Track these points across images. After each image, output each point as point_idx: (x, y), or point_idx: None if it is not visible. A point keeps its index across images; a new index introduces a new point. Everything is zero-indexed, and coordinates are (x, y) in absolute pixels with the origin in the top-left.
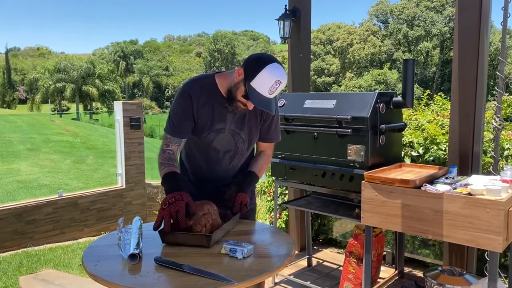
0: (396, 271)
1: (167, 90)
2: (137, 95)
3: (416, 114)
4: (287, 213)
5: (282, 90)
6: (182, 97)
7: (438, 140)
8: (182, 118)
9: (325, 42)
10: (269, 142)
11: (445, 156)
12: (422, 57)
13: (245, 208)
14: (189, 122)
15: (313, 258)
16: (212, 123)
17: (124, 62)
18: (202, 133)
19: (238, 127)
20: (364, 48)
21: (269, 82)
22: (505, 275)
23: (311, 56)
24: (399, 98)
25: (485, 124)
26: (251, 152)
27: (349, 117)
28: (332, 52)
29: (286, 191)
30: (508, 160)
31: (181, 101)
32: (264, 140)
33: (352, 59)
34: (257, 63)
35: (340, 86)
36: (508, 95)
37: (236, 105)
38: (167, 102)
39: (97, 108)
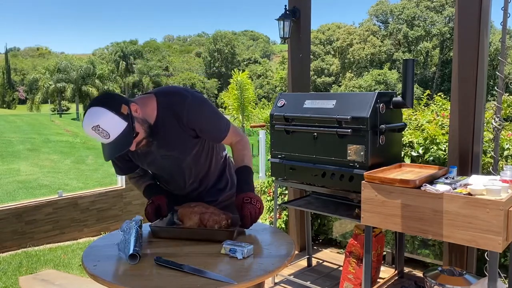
0: (396, 271)
1: None
2: (137, 95)
3: (416, 114)
4: (287, 213)
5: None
6: None
7: (438, 140)
8: (119, 162)
9: (325, 42)
10: (220, 141)
11: (445, 156)
12: (422, 57)
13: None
14: (126, 162)
15: (313, 258)
16: (142, 159)
17: (124, 62)
18: (141, 167)
19: (168, 150)
20: (364, 48)
21: (94, 135)
22: (505, 275)
23: (311, 56)
24: (399, 98)
25: (485, 124)
26: (206, 155)
27: (349, 117)
28: (332, 52)
29: (286, 191)
30: (508, 160)
31: None
32: (216, 142)
33: (352, 59)
34: None
35: (340, 86)
36: (508, 95)
37: (139, 146)
38: None
39: None
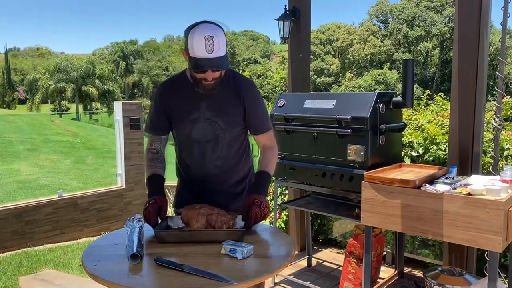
0: (396, 271)
1: None
2: (137, 95)
3: (416, 114)
4: (287, 213)
5: (229, 46)
6: (155, 96)
7: (438, 140)
8: (155, 116)
9: (325, 42)
10: (261, 133)
11: (445, 156)
12: (422, 57)
13: (256, 210)
14: (162, 119)
15: (313, 258)
16: (186, 114)
17: (124, 62)
18: (180, 125)
19: (215, 115)
20: (364, 48)
21: (200, 43)
22: (505, 275)
23: (311, 56)
24: (399, 98)
25: (485, 124)
26: (240, 147)
27: (349, 117)
28: (332, 52)
29: (286, 191)
30: (508, 160)
31: (154, 100)
32: (255, 132)
33: (352, 59)
34: (185, 33)
35: (340, 86)
36: (509, 97)
37: (202, 84)
38: None
39: (97, 108)
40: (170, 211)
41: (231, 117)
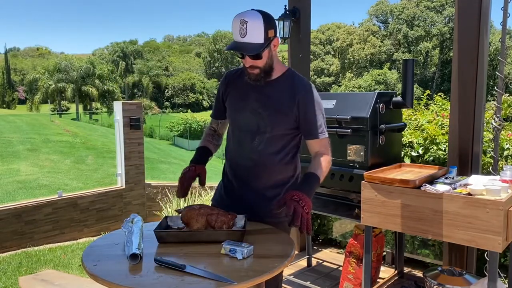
0: (396, 271)
1: (166, 90)
2: (136, 95)
3: (416, 114)
4: None
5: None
6: (219, 83)
7: (437, 140)
8: (215, 101)
9: (325, 42)
10: (312, 138)
11: (445, 156)
12: (422, 57)
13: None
14: (219, 105)
15: (313, 258)
16: (235, 101)
17: (123, 62)
18: (228, 111)
19: (261, 106)
20: (364, 48)
21: (235, 26)
22: (505, 275)
23: (311, 56)
24: (399, 98)
25: (485, 124)
26: (282, 148)
27: (348, 117)
28: (332, 52)
29: None
30: (508, 160)
31: (218, 86)
32: (306, 137)
33: (352, 59)
34: None
35: (339, 86)
36: (508, 95)
37: (247, 72)
38: (166, 102)
39: (96, 108)
40: (171, 212)
41: (277, 114)
